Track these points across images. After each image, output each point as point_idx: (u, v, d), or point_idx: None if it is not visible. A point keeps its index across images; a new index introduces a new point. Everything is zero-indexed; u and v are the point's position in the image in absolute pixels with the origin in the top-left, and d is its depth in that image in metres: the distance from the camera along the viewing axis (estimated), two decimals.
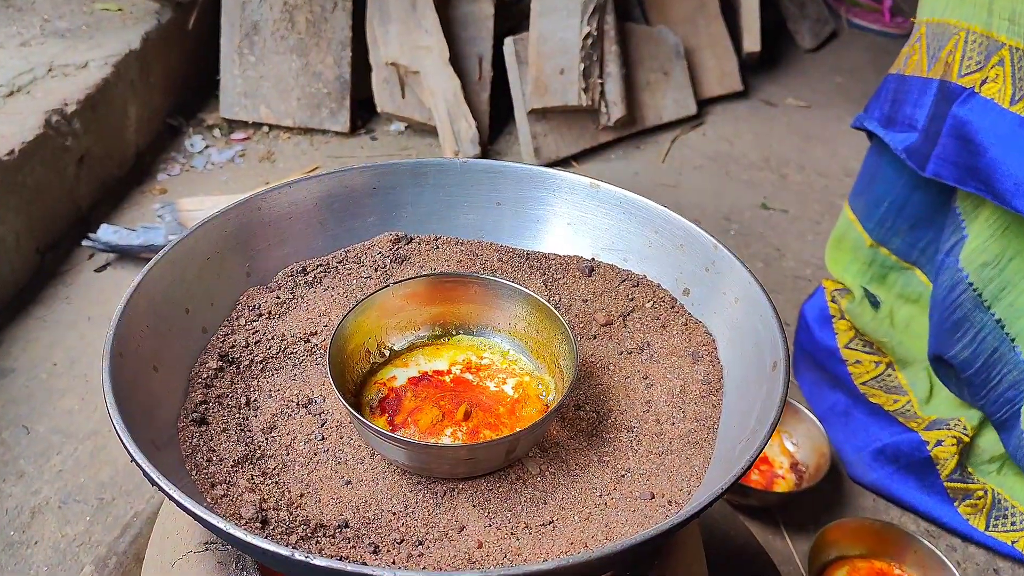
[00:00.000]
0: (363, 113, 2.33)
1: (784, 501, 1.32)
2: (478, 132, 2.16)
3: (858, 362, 1.62)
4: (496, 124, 2.32)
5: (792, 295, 1.77)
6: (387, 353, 0.81)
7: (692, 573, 0.85)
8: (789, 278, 1.85)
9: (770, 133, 2.43)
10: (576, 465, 0.73)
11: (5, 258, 1.53)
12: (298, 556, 0.55)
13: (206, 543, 0.75)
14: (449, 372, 0.80)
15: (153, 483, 0.59)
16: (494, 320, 0.82)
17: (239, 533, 0.55)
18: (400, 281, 0.80)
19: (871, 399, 1.52)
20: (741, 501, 1.31)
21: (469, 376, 0.79)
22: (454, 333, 0.83)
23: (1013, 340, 1.16)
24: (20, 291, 1.55)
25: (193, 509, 0.57)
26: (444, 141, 2.16)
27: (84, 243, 1.65)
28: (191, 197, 1.82)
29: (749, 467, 0.62)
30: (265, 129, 2.27)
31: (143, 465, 0.59)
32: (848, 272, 1.66)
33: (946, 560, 1.19)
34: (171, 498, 0.58)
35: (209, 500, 0.66)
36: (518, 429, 0.73)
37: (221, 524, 0.56)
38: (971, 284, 1.20)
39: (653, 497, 0.69)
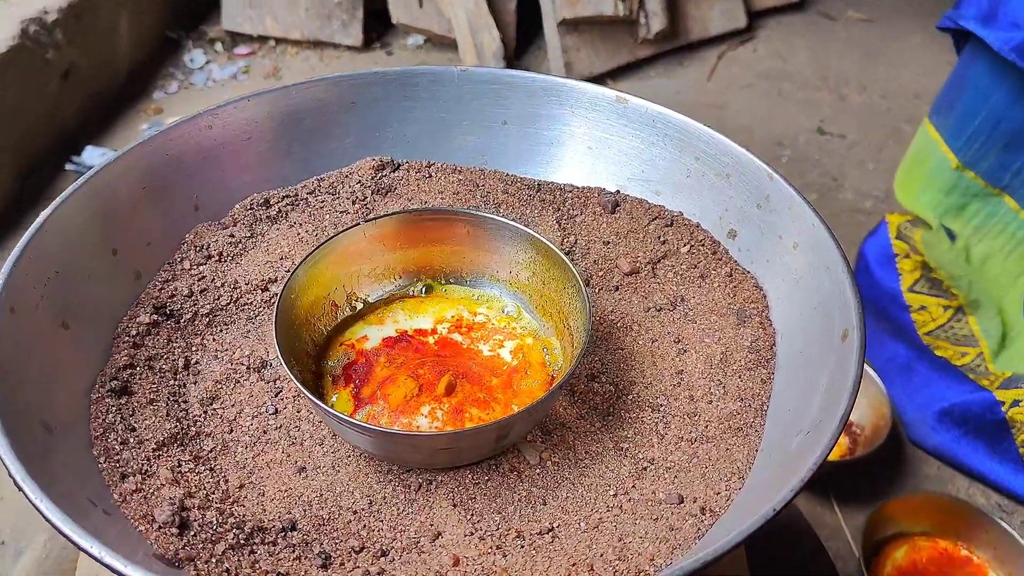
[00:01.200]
0: (377, 25, 2.14)
1: (835, 469, 1.16)
2: (503, 45, 1.96)
3: (923, 308, 1.44)
4: (524, 37, 2.12)
5: (849, 231, 1.58)
6: (359, 306, 0.66)
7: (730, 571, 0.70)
8: (846, 212, 1.66)
9: (828, 49, 2.19)
10: (586, 453, 0.58)
11: None
12: None
13: None
14: (434, 332, 0.64)
15: (18, 487, 0.45)
16: (491, 268, 0.67)
17: (112, 560, 0.41)
18: (375, 218, 0.64)
19: (936, 352, 1.35)
20: None
21: (458, 337, 0.64)
22: (442, 283, 0.68)
23: None
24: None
25: (54, 519, 0.43)
26: (465, 55, 1.97)
27: (68, 167, 1.52)
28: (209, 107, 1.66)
29: (812, 474, 0.47)
30: (271, 43, 2.09)
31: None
32: (921, 202, 1.47)
33: (1022, 540, 1.03)
34: (34, 505, 0.44)
35: (116, 497, 0.52)
36: (513, 409, 0.58)
37: (88, 544, 0.42)
38: None
39: (682, 501, 0.54)
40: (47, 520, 0.44)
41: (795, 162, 1.78)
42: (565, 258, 0.61)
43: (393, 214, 0.65)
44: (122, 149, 0.67)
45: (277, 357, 0.55)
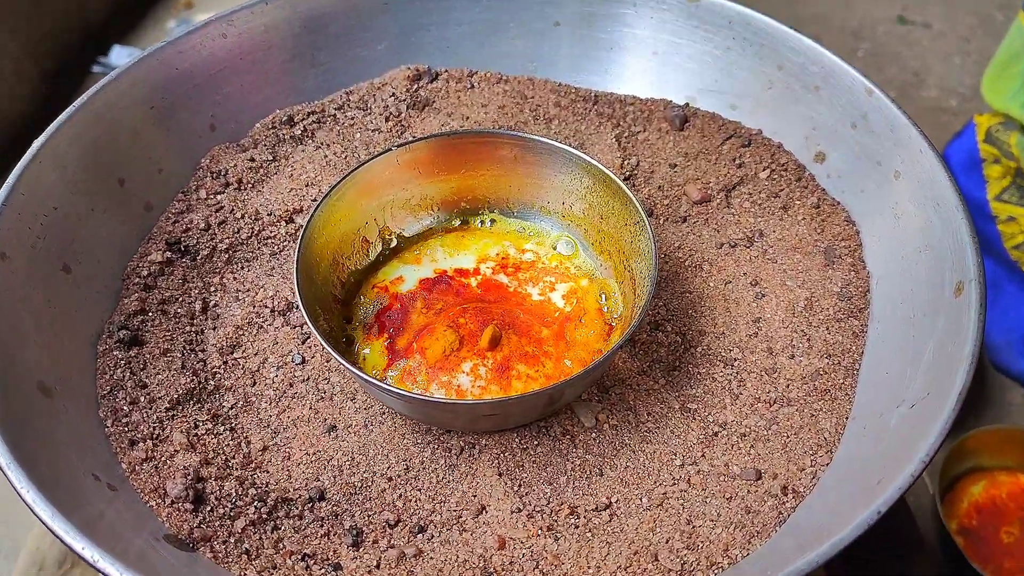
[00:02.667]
0: None
1: None
2: None
3: (1011, 219, 1.32)
4: None
5: (932, 132, 1.44)
6: (394, 242, 0.59)
7: None
8: (929, 110, 1.51)
9: None
10: (649, 415, 0.51)
11: (4, 87, 1.34)
12: None
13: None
14: (476, 272, 0.57)
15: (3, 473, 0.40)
16: (541, 198, 0.59)
17: (107, 565, 0.36)
18: (408, 143, 0.56)
19: None
20: None
21: (503, 278, 0.57)
22: (486, 215, 0.60)
23: None
24: (25, 124, 1.36)
25: (42, 515, 0.38)
26: None
27: (94, 69, 1.44)
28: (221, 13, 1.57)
29: (924, 466, 0.39)
30: None
31: None
32: (1016, 101, 1.33)
33: None
34: (20, 496, 0.39)
35: (124, 467, 0.47)
36: (566, 366, 0.51)
37: (80, 545, 0.37)
38: None
39: (759, 477, 0.47)
40: (36, 515, 0.38)
41: (873, 56, 1.62)
42: (627, 189, 0.53)
43: (429, 137, 0.57)
44: (123, 64, 0.59)
45: (299, 307, 0.48)
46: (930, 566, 0.97)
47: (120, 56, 1.46)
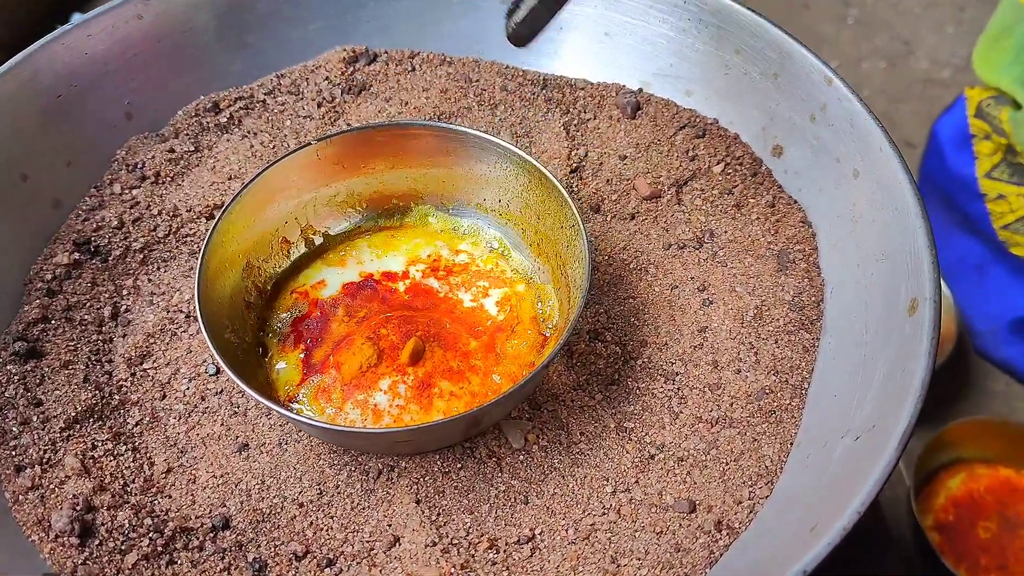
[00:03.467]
0: None
1: None
2: None
3: (1000, 197, 1.28)
4: None
5: (921, 106, 1.39)
6: (318, 241, 0.55)
7: None
8: (919, 82, 1.45)
9: None
10: (582, 435, 0.48)
11: None
12: None
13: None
14: (405, 276, 0.53)
15: None
16: (477, 195, 0.55)
17: None
18: (328, 136, 0.52)
19: (1013, 249, 1.20)
20: None
21: (434, 283, 0.53)
22: (419, 211, 0.56)
23: None
24: None
25: None
26: None
27: None
28: None
29: (858, 516, 0.35)
30: None
31: None
32: (1008, 75, 1.28)
33: None
34: None
35: (7, 496, 0.44)
36: (494, 382, 0.48)
37: None
38: None
39: (693, 510, 0.44)
40: None
41: (862, 25, 1.55)
42: (563, 189, 0.49)
43: (351, 130, 0.53)
44: (23, 52, 0.55)
45: (199, 320, 0.45)
46: (904, 562, 0.94)
47: None
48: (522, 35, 0.47)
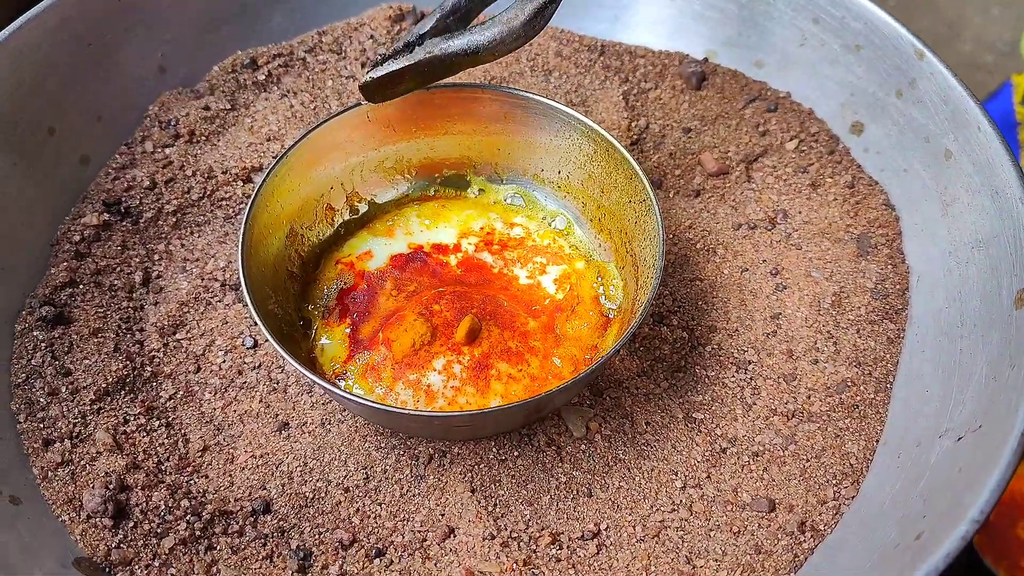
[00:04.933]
0: None
1: None
2: None
3: None
4: None
5: None
6: (363, 209, 0.51)
7: None
8: (964, 67, 1.41)
9: None
10: (647, 425, 0.45)
11: None
12: None
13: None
14: (457, 249, 0.50)
15: None
16: (535, 164, 0.51)
17: None
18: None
19: None
20: None
21: (487, 257, 0.49)
22: (472, 182, 0.52)
23: None
24: None
25: None
26: None
27: None
28: None
29: (978, 526, 0.32)
30: None
31: None
32: None
33: None
34: None
35: (36, 472, 0.40)
36: (555, 365, 0.44)
37: None
38: None
39: (773, 508, 0.41)
40: None
41: (904, 6, 1.51)
42: (633, 161, 0.45)
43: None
44: None
45: (243, 288, 0.41)
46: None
47: None
48: (372, 92, 0.46)
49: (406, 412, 0.41)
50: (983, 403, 0.38)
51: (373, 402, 0.41)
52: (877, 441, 0.42)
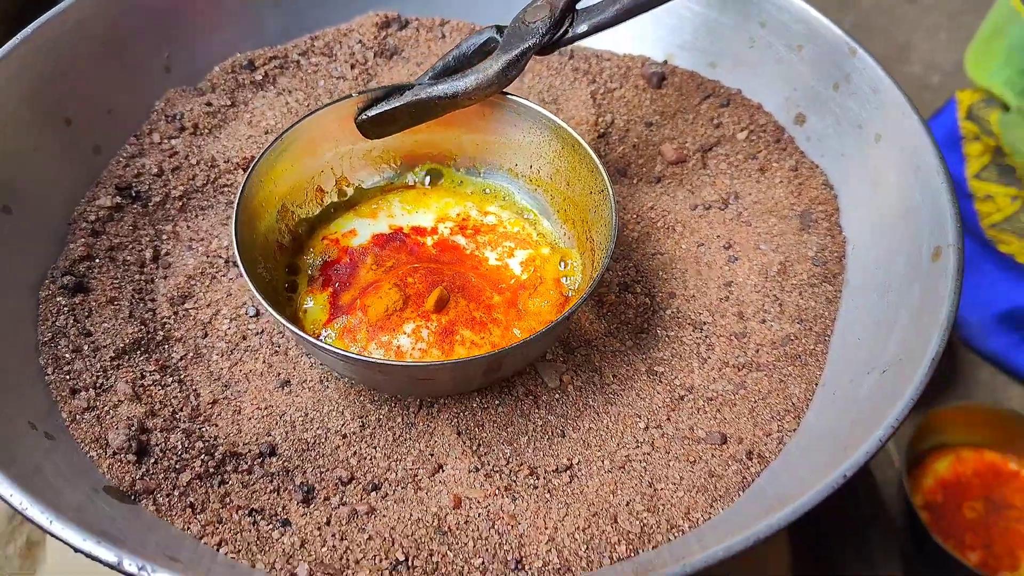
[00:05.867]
0: None
1: None
2: None
3: (988, 197, 1.32)
4: None
5: None
6: (350, 192, 0.56)
7: None
8: (912, 87, 1.50)
9: None
10: (614, 377, 0.50)
11: None
12: (129, 566, 0.33)
13: None
14: (433, 231, 0.55)
15: None
16: (510, 159, 0.56)
17: (36, 514, 0.34)
18: (371, 90, 0.54)
19: (1000, 247, 1.24)
20: None
21: (461, 240, 0.54)
22: (451, 173, 0.58)
23: None
24: None
25: None
26: None
27: None
28: None
29: (892, 431, 0.38)
30: None
31: None
32: (998, 77, 1.32)
33: None
34: None
35: (65, 415, 0.45)
36: (515, 336, 0.49)
37: (8, 492, 0.35)
38: None
39: (725, 441, 0.46)
40: None
41: (858, 29, 1.60)
42: (595, 156, 0.50)
43: (394, 87, 0.54)
44: None
45: (233, 249, 0.46)
46: (894, 540, 0.97)
47: None
48: (367, 129, 0.53)
49: (372, 360, 0.45)
50: (904, 343, 0.43)
51: (344, 352, 0.44)
52: (816, 384, 0.47)
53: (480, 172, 0.57)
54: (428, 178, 0.57)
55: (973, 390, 1.13)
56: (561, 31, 0.50)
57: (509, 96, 0.53)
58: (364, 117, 0.52)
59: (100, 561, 0.33)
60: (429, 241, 0.54)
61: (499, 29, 0.51)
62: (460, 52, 0.53)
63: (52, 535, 0.34)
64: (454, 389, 0.48)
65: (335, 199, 0.56)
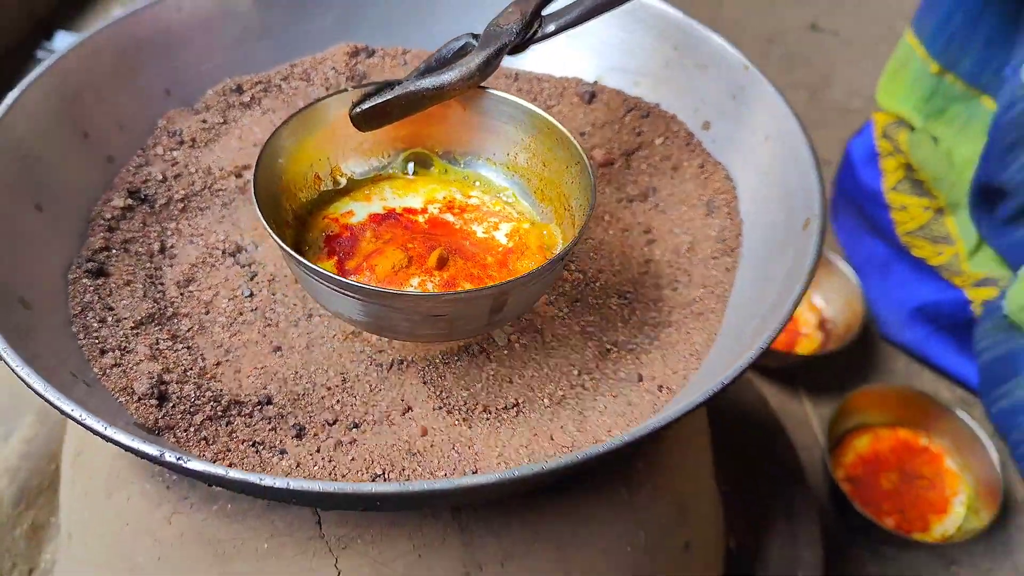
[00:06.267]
0: None
1: (806, 363, 1.20)
2: None
3: (903, 207, 1.45)
4: None
5: (837, 130, 1.57)
6: (343, 182, 0.64)
7: (693, 454, 0.74)
8: (836, 111, 1.64)
9: None
10: (553, 337, 0.60)
11: None
12: (168, 457, 0.43)
13: None
14: (424, 211, 0.62)
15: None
16: (487, 148, 0.64)
17: (94, 423, 0.44)
18: (362, 85, 0.62)
19: (913, 251, 1.37)
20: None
21: (450, 217, 0.62)
22: (434, 162, 0.65)
23: None
24: None
25: (36, 386, 0.45)
26: None
27: (38, 53, 1.48)
28: None
29: (760, 354, 0.49)
30: None
31: None
32: (905, 103, 1.46)
33: (978, 431, 1.07)
34: (16, 374, 0.46)
35: (96, 370, 0.54)
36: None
37: (70, 408, 0.44)
38: None
39: (641, 380, 0.57)
40: (29, 386, 0.45)
41: (785, 60, 1.75)
42: (569, 134, 0.58)
43: (384, 83, 0.60)
44: (89, 31, 0.66)
45: (255, 208, 0.52)
46: (820, 510, 1.07)
47: (63, 41, 1.50)
48: (360, 123, 0.60)
49: (390, 292, 0.51)
50: (779, 294, 0.54)
51: (367, 286, 0.50)
52: (716, 334, 0.58)
53: (461, 162, 0.64)
54: (413, 167, 0.65)
55: (889, 377, 1.25)
56: (531, 32, 0.57)
57: (487, 90, 0.61)
58: (358, 111, 0.58)
59: (145, 455, 0.42)
60: (421, 219, 0.61)
61: (474, 36, 0.59)
62: (440, 55, 0.60)
63: (106, 438, 0.43)
64: (461, 330, 0.54)
65: (330, 187, 0.63)
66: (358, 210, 0.62)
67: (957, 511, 1.06)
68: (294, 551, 0.56)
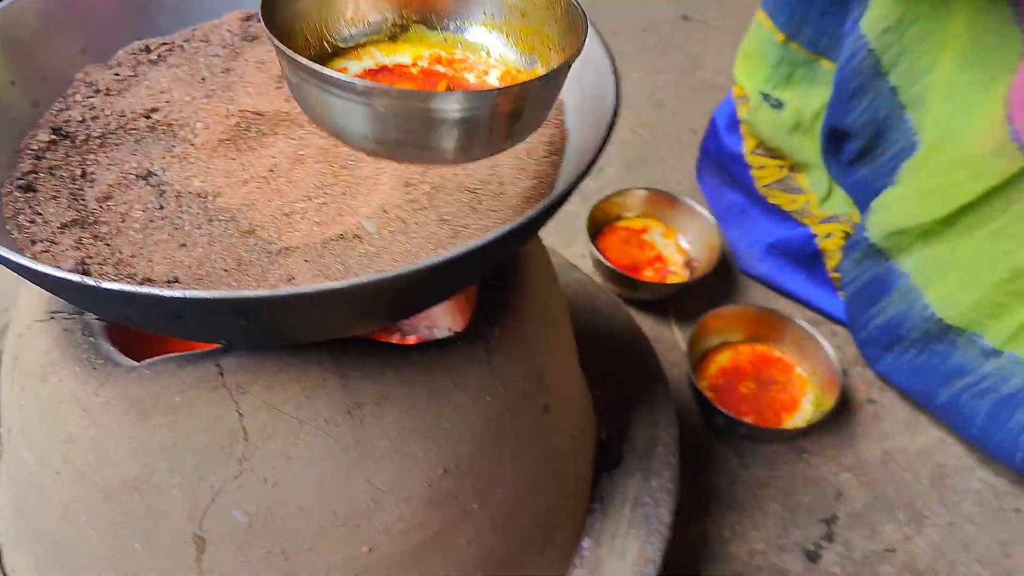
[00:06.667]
0: None
1: (674, 292, 1.36)
2: None
3: (763, 167, 1.63)
4: None
5: (705, 104, 1.75)
6: (329, 50, 0.69)
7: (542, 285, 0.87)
8: (704, 88, 1.82)
9: None
10: (415, 224, 0.73)
11: None
12: (89, 281, 0.55)
13: (51, 312, 0.75)
14: (415, 65, 0.68)
15: None
16: (461, 15, 0.69)
17: (19, 258, 0.55)
18: None
19: (770, 199, 1.55)
20: (632, 295, 1.34)
21: (441, 68, 0.68)
22: (413, 28, 0.70)
23: (903, 107, 1.18)
24: None
25: None
26: None
27: None
28: None
29: (583, 175, 0.63)
30: None
31: None
32: (752, 79, 1.64)
33: (820, 338, 1.24)
34: None
35: (29, 253, 0.65)
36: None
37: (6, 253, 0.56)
38: (872, 50, 1.20)
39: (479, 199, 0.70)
40: None
41: (659, 47, 1.93)
42: None
43: None
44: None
45: (264, 33, 0.58)
46: (685, 415, 1.22)
47: None
48: None
49: (408, 92, 0.54)
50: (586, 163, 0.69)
51: (387, 86, 0.56)
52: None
53: (438, 26, 0.70)
54: (395, 32, 0.70)
55: (749, 303, 1.41)
56: None
57: None
58: None
59: (66, 282, 0.54)
60: (414, 71, 0.67)
61: None
62: None
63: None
64: (476, 144, 0.57)
65: (319, 50, 0.67)
66: (352, 67, 0.67)
67: (805, 408, 1.22)
68: (204, 401, 0.68)
